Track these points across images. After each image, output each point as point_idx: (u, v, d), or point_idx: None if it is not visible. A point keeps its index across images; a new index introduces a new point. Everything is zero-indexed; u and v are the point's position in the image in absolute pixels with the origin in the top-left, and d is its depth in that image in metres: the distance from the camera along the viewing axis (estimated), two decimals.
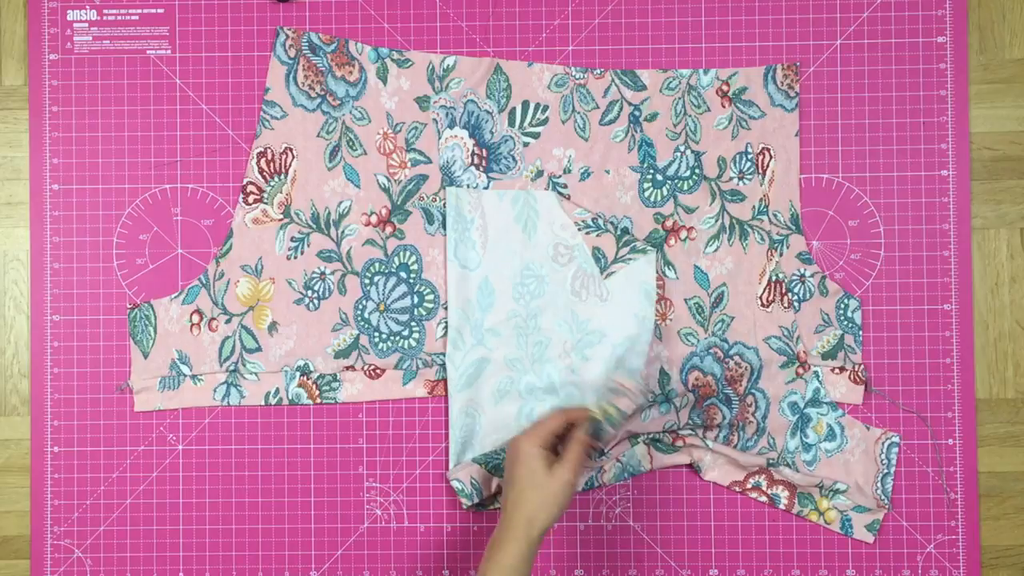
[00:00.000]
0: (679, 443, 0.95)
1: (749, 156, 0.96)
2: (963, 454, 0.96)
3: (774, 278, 0.96)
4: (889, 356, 0.97)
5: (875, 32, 0.97)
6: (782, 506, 0.96)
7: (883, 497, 0.95)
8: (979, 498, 0.97)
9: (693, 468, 0.96)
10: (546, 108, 0.97)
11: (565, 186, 0.96)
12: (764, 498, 0.96)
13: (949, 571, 0.96)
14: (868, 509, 0.95)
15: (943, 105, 0.97)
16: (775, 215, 0.96)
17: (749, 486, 0.96)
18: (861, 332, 0.96)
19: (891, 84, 0.97)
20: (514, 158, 0.97)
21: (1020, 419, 0.97)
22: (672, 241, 0.97)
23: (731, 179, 0.97)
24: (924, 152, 0.97)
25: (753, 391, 0.96)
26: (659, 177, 0.97)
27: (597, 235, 0.96)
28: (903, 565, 0.96)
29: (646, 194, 0.97)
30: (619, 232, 0.95)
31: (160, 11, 0.99)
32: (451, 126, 0.97)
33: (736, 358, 0.96)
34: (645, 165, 0.96)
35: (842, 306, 0.96)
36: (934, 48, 0.97)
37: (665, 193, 0.97)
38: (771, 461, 0.95)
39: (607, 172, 0.96)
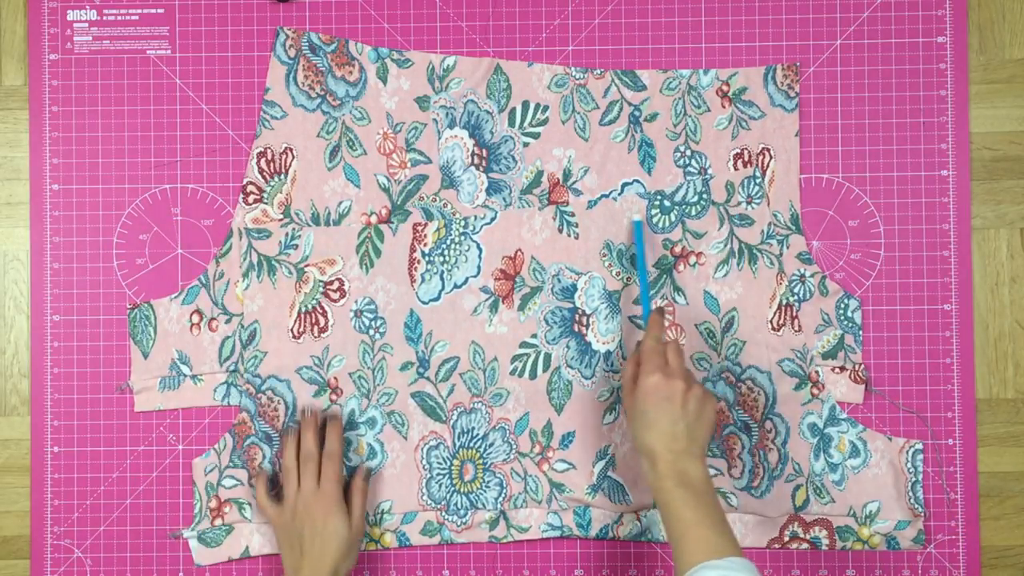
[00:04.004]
0: None
1: (758, 180, 0.96)
2: (963, 454, 0.96)
3: (784, 302, 0.96)
4: (889, 356, 0.97)
5: (875, 32, 0.97)
6: (824, 547, 0.95)
7: (917, 506, 0.95)
8: (979, 498, 0.97)
9: None
10: (546, 108, 0.97)
11: (573, 214, 0.96)
12: (805, 545, 0.95)
13: (949, 571, 0.96)
14: (909, 522, 0.95)
15: (943, 105, 0.97)
16: (775, 215, 0.96)
17: (787, 538, 0.96)
18: (861, 332, 0.96)
19: (891, 84, 0.97)
20: (514, 158, 0.97)
21: (1020, 419, 0.97)
22: (681, 267, 0.96)
23: (739, 204, 0.96)
24: (924, 152, 0.97)
25: (771, 416, 0.95)
26: (667, 203, 0.96)
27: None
28: (903, 565, 0.96)
29: (654, 220, 0.97)
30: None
31: (160, 11, 0.99)
32: (451, 126, 0.97)
33: (748, 382, 0.95)
34: (653, 192, 0.96)
35: (842, 306, 0.96)
36: (934, 48, 0.97)
37: (673, 219, 0.96)
38: (800, 486, 0.95)
39: (615, 200, 0.96)
